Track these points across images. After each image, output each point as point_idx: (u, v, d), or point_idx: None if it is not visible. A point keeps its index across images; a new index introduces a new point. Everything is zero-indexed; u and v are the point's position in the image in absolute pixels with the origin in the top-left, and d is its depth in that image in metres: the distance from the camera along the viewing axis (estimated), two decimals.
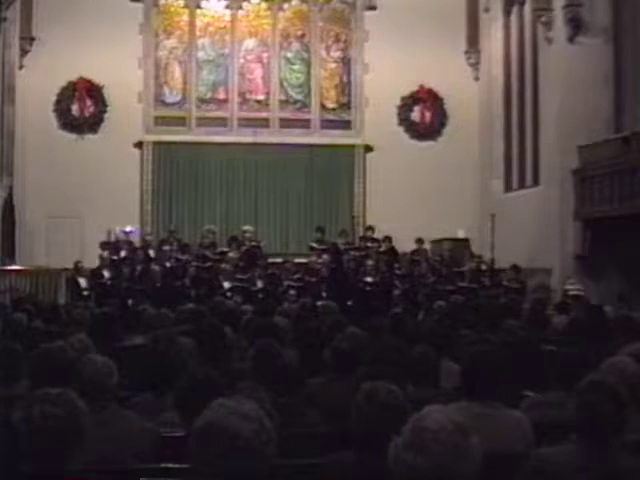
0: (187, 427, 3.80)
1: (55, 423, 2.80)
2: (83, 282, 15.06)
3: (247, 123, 19.75)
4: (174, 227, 17.62)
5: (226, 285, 14.71)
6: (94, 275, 15.15)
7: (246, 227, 16.70)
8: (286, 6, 20.09)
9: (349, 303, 14.04)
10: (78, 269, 15.30)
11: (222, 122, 19.79)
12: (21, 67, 18.69)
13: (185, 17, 19.94)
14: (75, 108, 19.17)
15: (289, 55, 20.12)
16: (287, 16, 20.14)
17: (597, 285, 14.88)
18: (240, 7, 19.96)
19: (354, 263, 15.62)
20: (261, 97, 19.97)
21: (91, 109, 19.22)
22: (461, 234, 17.81)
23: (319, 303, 10.81)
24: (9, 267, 16.47)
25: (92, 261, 15.60)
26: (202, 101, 19.85)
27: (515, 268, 15.24)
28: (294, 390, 4.68)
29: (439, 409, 2.48)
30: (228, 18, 19.95)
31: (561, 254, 15.90)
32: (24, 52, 18.69)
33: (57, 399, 2.87)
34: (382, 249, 16.11)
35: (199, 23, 19.95)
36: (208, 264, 15.28)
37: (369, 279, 15.17)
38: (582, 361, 4.58)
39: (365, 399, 3.30)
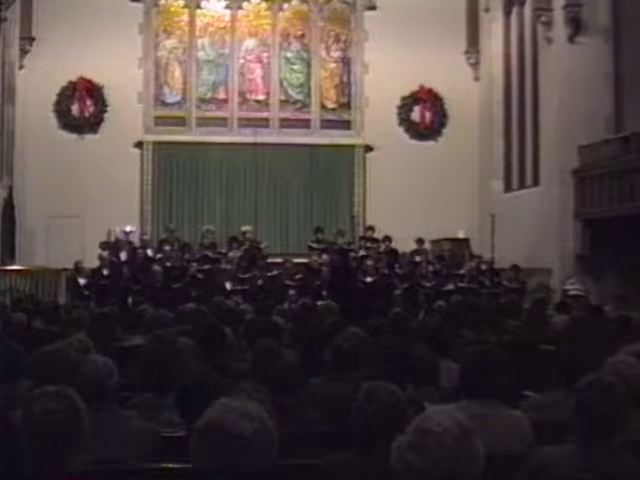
0: (187, 427, 3.81)
1: (55, 417, 2.80)
2: (83, 282, 15.05)
3: (247, 123, 19.74)
4: (173, 226, 17.60)
5: (228, 286, 14.70)
6: (94, 275, 15.14)
7: (245, 227, 16.67)
8: (286, 6, 20.09)
9: (349, 303, 14.01)
10: (78, 269, 15.28)
11: (222, 122, 19.78)
12: (21, 67, 18.71)
13: (185, 17, 19.94)
14: (75, 108, 19.18)
15: (289, 55, 20.12)
16: (287, 16, 20.13)
17: (597, 285, 14.88)
18: (240, 7, 19.97)
19: (354, 263, 15.62)
20: (261, 97, 19.96)
21: (91, 109, 19.22)
22: (461, 234, 17.80)
23: (319, 303, 10.80)
24: (9, 267, 16.47)
25: (92, 261, 15.58)
26: (202, 101, 19.84)
27: (515, 268, 15.24)
28: (294, 390, 4.67)
29: (443, 410, 2.48)
30: (228, 18, 19.96)
31: (561, 254, 15.89)
32: (24, 52, 18.70)
33: (57, 395, 2.87)
34: (382, 249, 16.11)
35: (199, 23, 19.95)
36: (207, 266, 15.26)
37: (369, 279, 15.16)
38: (582, 361, 4.58)
39: (365, 399, 3.30)
